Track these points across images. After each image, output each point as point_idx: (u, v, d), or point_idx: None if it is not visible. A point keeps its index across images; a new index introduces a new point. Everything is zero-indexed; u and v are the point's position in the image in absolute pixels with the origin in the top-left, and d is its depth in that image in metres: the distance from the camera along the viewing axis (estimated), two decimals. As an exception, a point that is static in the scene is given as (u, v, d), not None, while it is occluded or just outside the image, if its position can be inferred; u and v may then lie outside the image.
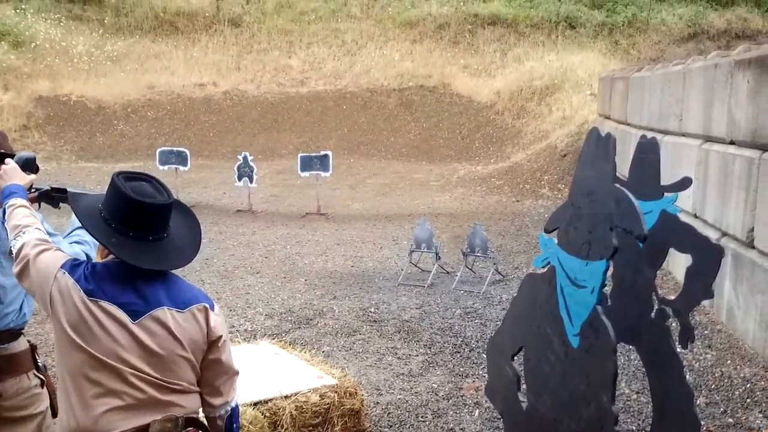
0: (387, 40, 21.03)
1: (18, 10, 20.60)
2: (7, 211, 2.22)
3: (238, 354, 4.23)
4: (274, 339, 4.82)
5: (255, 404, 3.50)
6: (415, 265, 7.45)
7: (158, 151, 12.49)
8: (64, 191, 2.49)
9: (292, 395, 3.62)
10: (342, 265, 7.90)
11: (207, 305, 2.05)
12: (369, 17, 22.24)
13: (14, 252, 2.10)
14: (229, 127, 18.41)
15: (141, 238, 1.99)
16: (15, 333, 2.61)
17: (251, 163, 11.41)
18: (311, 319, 6.03)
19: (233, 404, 2.13)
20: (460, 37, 20.82)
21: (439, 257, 7.23)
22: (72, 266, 1.97)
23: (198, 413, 2.08)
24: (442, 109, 18.02)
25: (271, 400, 3.57)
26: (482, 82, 18.42)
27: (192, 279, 7.20)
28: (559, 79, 16.86)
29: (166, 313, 1.96)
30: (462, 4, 22.02)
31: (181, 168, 12.05)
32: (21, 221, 2.15)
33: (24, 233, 2.10)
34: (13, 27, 19.81)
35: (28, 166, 2.53)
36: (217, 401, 2.09)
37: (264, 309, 6.31)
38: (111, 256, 2.03)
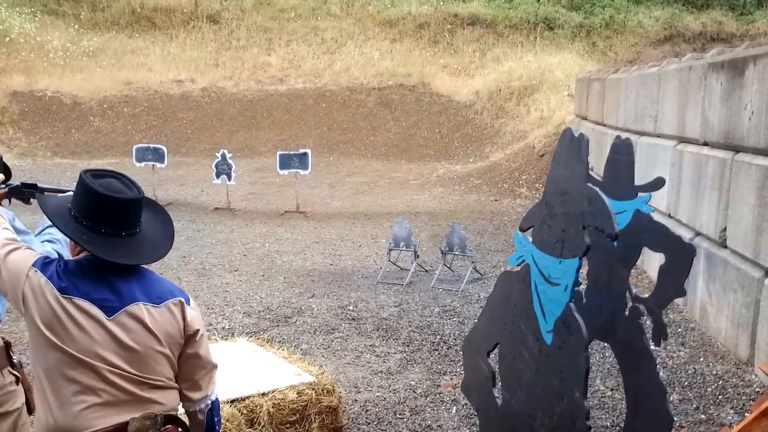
0: (367, 39, 21.04)
1: (-9, 5, 20.32)
2: None
3: (215, 351, 4.19)
4: (252, 337, 4.81)
5: (232, 401, 3.49)
6: (394, 264, 7.48)
7: (135, 147, 12.37)
8: (34, 186, 2.46)
9: (269, 392, 3.62)
10: (321, 264, 7.90)
11: (182, 299, 2.04)
12: (349, 15, 22.24)
13: None
14: (207, 124, 18.30)
15: (113, 234, 1.97)
16: None
17: (230, 161, 11.35)
18: (290, 317, 6.02)
19: (213, 398, 2.14)
20: (440, 36, 20.91)
21: (418, 256, 7.26)
22: (43, 264, 1.95)
23: (177, 410, 2.08)
24: (422, 109, 18.09)
25: (248, 397, 3.56)
26: (461, 82, 18.53)
27: (169, 277, 7.14)
28: (537, 80, 17.01)
29: (141, 309, 1.94)
30: (442, 3, 22.12)
31: (158, 165, 11.96)
32: None
33: None
34: (-13, 22, 19.52)
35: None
36: (196, 395, 2.09)
37: (242, 307, 6.30)
38: (84, 253, 2.01)
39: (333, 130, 17.79)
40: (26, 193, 2.55)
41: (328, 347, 5.33)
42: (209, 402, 2.13)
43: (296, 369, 3.93)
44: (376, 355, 5.15)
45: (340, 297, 6.59)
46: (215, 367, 2.14)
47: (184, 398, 2.09)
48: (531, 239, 2.96)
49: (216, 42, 21.24)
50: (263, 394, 3.60)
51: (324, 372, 4.00)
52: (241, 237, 9.27)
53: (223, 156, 11.41)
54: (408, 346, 5.33)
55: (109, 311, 1.91)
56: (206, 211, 11.18)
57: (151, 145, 12.35)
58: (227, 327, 5.73)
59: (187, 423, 2.12)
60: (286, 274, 7.41)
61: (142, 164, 11.93)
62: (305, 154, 11.17)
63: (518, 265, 3.00)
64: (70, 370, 1.87)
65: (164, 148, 12.09)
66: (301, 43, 21.04)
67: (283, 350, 4.33)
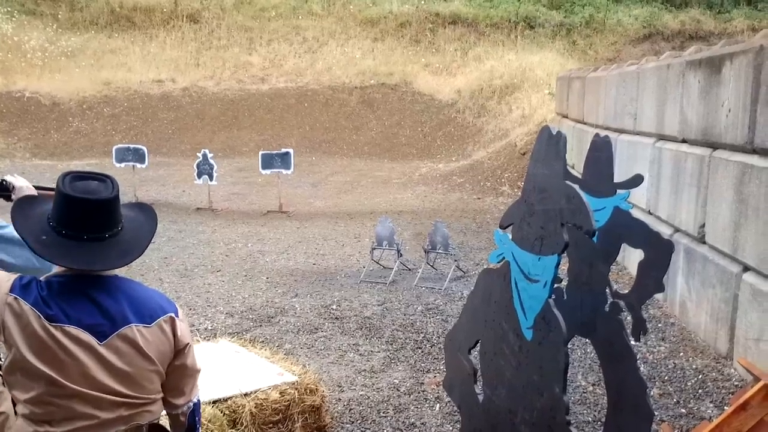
0: (348, 38, 21.03)
1: (-33, 4, 20.05)
2: None
3: (197, 353, 4.19)
4: (234, 337, 4.79)
5: (214, 402, 3.48)
6: (377, 263, 7.48)
7: (114, 148, 12.27)
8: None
9: (251, 393, 3.61)
10: (304, 263, 7.88)
11: (172, 314, 1.99)
12: (330, 14, 22.21)
13: None
14: (189, 124, 18.19)
15: (74, 237, 1.86)
16: None
17: (211, 161, 11.29)
18: (272, 317, 6.00)
19: (195, 400, 2.13)
20: (422, 35, 20.95)
21: (401, 254, 7.27)
22: (21, 288, 1.81)
23: (161, 416, 2.07)
24: (404, 108, 18.11)
25: (230, 398, 3.54)
26: (443, 81, 18.58)
27: (150, 278, 7.11)
28: (518, 79, 17.11)
29: (134, 331, 1.89)
30: (423, 2, 22.17)
31: (139, 165, 11.86)
32: None
33: None
34: (-37, 21, 19.26)
35: None
36: (180, 401, 2.07)
37: (224, 308, 6.26)
38: (59, 269, 1.91)
39: (315, 130, 17.76)
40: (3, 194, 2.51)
41: (312, 347, 5.32)
42: (191, 404, 2.11)
43: (279, 369, 3.92)
44: (360, 354, 5.15)
45: (323, 296, 6.58)
46: (199, 372, 2.13)
47: (167, 404, 2.06)
48: (511, 236, 2.98)
49: (196, 41, 21.13)
50: (245, 395, 3.58)
51: (307, 371, 3.99)
52: (223, 237, 9.22)
53: (205, 156, 11.35)
54: (391, 344, 5.34)
55: (101, 336, 1.84)
56: (188, 211, 11.11)
57: (132, 146, 12.24)
58: (209, 328, 5.70)
59: (168, 426, 2.11)
60: (269, 274, 7.38)
61: (123, 165, 11.82)
62: (287, 153, 11.13)
63: (498, 262, 3.02)
64: (60, 399, 1.81)
65: (145, 149, 12.00)
66: (283, 43, 20.98)
67: (265, 350, 4.32)
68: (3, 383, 2.60)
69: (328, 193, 12.70)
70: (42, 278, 1.88)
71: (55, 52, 19.61)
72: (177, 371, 2.03)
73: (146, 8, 22.03)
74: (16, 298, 1.79)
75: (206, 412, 3.37)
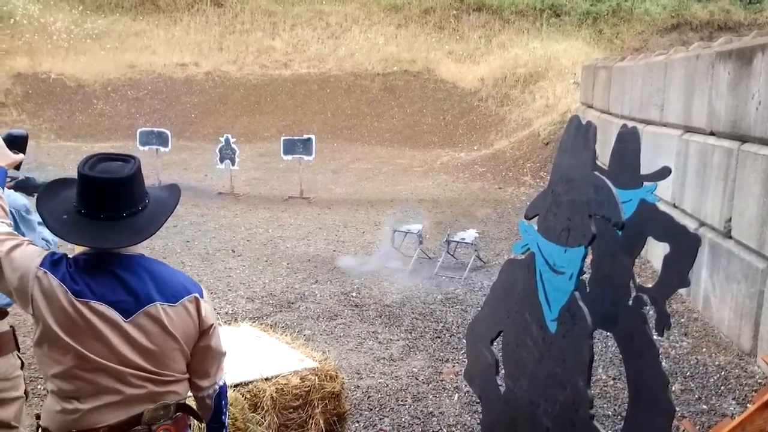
0: (372, 24, 20.92)
1: (-5, -15, 20.23)
2: None
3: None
4: (255, 322, 4.82)
5: (236, 386, 3.50)
6: (398, 250, 7.48)
7: (138, 131, 12.37)
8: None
9: (272, 378, 3.63)
10: (324, 249, 7.90)
11: (197, 295, 2.00)
12: (354, 0, 22.10)
13: None
14: (211, 108, 18.25)
15: (91, 216, 1.89)
16: (3, 312, 2.59)
17: (233, 146, 11.33)
18: (293, 303, 6.04)
19: (221, 383, 2.14)
20: (445, 22, 20.78)
21: (422, 242, 7.26)
22: (51, 264, 1.85)
23: (187, 397, 2.09)
24: (426, 95, 18.01)
25: (251, 382, 3.57)
26: (466, 69, 18.43)
27: (173, 261, 7.17)
28: (542, 67, 16.92)
29: (158, 309, 1.90)
30: (447, -12, 21.95)
31: (162, 149, 11.95)
32: None
33: None
34: (-9, 3, 19.44)
35: (17, 144, 2.32)
36: (205, 383, 2.09)
37: (245, 292, 6.31)
38: (83, 248, 1.94)
39: (337, 116, 17.74)
40: (30, 187, 2.53)
41: (331, 333, 5.34)
42: (217, 387, 2.13)
43: (299, 354, 3.94)
44: (379, 342, 5.17)
45: (342, 283, 6.60)
46: (224, 354, 2.13)
47: (193, 386, 2.08)
48: (536, 227, 2.95)
49: (220, 25, 21.15)
50: (267, 379, 3.61)
51: (327, 358, 4.00)
52: (244, 222, 9.27)
53: (227, 141, 11.39)
54: (410, 333, 5.34)
55: (126, 313, 1.86)
56: (210, 195, 11.19)
57: (155, 129, 12.35)
58: (230, 312, 5.75)
59: (195, 408, 2.13)
60: (289, 260, 7.42)
61: (146, 148, 11.92)
62: (309, 139, 11.14)
63: (523, 253, 2.99)
64: (87, 373, 1.83)
65: (168, 132, 12.08)
66: (306, 28, 20.93)
67: (286, 336, 4.34)
68: (22, 366, 2.65)
69: (349, 180, 12.71)
70: (70, 256, 1.91)
71: (81, 34, 19.75)
72: (202, 352, 2.04)
73: (171, -9, 22.10)
74: (45, 273, 1.82)
75: (228, 395, 3.39)
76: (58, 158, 14.10)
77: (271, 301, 6.07)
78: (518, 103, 16.34)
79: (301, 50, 20.11)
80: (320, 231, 8.82)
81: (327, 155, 14.61)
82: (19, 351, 2.65)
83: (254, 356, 3.88)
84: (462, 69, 18.48)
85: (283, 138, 11.50)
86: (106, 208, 1.89)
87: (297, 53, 20.01)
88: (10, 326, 2.64)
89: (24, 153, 2.33)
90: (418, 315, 5.74)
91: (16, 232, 2.03)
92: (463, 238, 7.08)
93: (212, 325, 2.04)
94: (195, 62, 19.56)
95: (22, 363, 2.67)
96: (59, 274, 1.83)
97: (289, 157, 11.26)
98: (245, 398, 3.51)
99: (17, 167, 2.26)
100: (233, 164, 11.31)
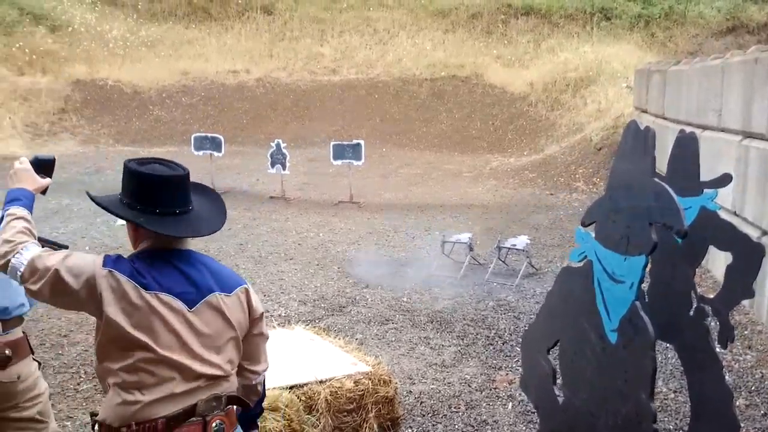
0: (419, 30, 20.96)
1: (54, -6, 20.98)
2: (5, 219, 2.02)
3: (273, 338, 4.31)
4: (308, 325, 4.89)
5: (291, 388, 3.57)
6: (448, 256, 7.47)
7: (193, 136, 12.67)
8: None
9: (327, 380, 3.68)
10: (374, 254, 7.95)
11: (246, 286, 2.12)
12: (401, 6, 22.18)
13: (19, 270, 1.92)
14: (262, 114, 18.55)
15: (167, 213, 1.99)
16: (21, 319, 2.76)
17: (284, 151, 11.50)
18: (344, 307, 6.09)
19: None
20: (493, 27, 20.67)
21: (472, 248, 7.24)
22: (115, 262, 1.92)
23: (236, 390, 2.16)
24: (475, 100, 17.94)
25: (306, 384, 3.63)
26: (515, 73, 18.28)
27: (227, 263, 7.28)
28: (594, 71, 16.65)
29: (218, 299, 2.00)
30: (495, -7, 21.82)
31: (216, 154, 12.22)
32: (16, 237, 1.98)
33: (26, 249, 1.94)
34: (50, 11, 20.12)
35: (45, 169, 2.30)
36: (260, 368, 2.22)
37: (297, 295, 6.40)
38: (142, 245, 2.03)
39: (385, 122, 17.81)
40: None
41: (383, 338, 5.37)
42: (265, 374, 2.26)
43: (353, 358, 3.98)
44: (431, 348, 5.18)
45: (393, 288, 6.63)
46: (267, 338, 2.24)
47: (247, 373, 2.18)
48: (594, 234, 2.92)
49: (270, 33, 21.49)
50: (321, 382, 3.66)
51: (380, 362, 4.03)
52: (295, 226, 9.40)
53: (278, 146, 11.57)
54: (462, 339, 5.33)
55: (191, 303, 1.96)
56: (262, 199, 11.37)
57: (209, 135, 12.62)
58: (283, 314, 5.84)
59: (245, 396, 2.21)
60: (340, 264, 7.49)
61: (201, 153, 12.21)
62: (358, 144, 11.23)
63: (580, 261, 2.97)
64: (150, 365, 1.90)
65: (221, 138, 12.34)
66: (354, 34, 21.10)
67: (339, 339, 4.39)
68: (39, 366, 2.82)
69: (398, 185, 12.75)
70: (126, 257, 1.99)
71: (136, 42, 20.32)
72: (255, 339, 2.16)
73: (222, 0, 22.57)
74: (110, 271, 1.89)
75: (283, 396, 3.46)
76: (116, 162, 14.51)
77: (322, 305, 6.14)
78: (569, 108, 16.12)
79: (350, 56, 20.28)
80: (370, 235, 8.88)
81: (376, 160, 14.68)
82: (33, 354, 2.80)
83: (308, 359, 3.94)
84: (510, 73, 18.34)
85: (332, 143, 11.62)
86: (178, 203, 2.01)
87: (345, 59, 20.18)
88: (23, 332, 2.79)
89: (51, 177, 2.33)
90: (469, 321, 5.72)
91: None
92: (514, 245, 7.04)
93: (262, 313, 2.17)
94: (246, 69, 19.92)
95: (39, 363, 2.84)
96: (126, 270, 1.91)
97: (339, 162, 11.37)
98: (300, 400, 3.57)
99: (44, 192, 2.27)
100: (284, 169, 11.47)
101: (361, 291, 6.55)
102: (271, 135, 15.92)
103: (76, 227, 9.11)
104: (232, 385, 2.09)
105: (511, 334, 5.36)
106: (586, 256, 2.93)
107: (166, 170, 2.03)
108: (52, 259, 1.91)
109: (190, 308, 1.96)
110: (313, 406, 3.60)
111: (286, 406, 3.46)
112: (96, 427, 1.97)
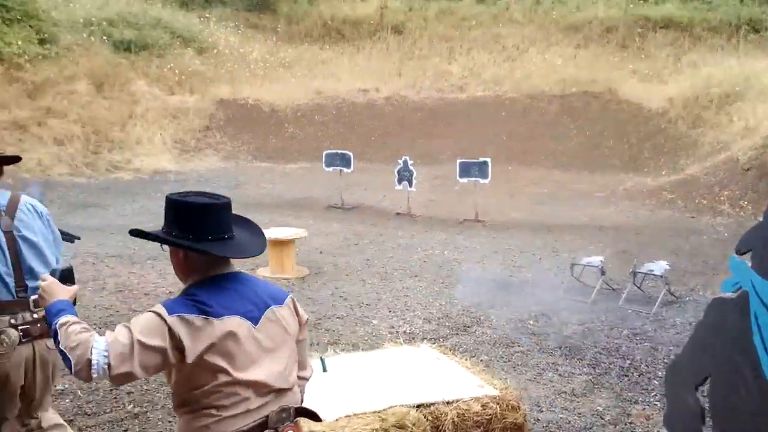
0: (549, 45, 20.55)
1: (202, 18, 22.50)
2: (60, 331, 1.98)
3: (400, 355, 4.33)
4: (433, 343, 4.87)
5: (418, 407, 3.55)
6: (578, 279, 7.19)
7: (324, 153, 13.11)
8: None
9: (453, 401, 3.62)
10: (500, 274, 7.81)
11: (291, 296, 2.25)
12: (531, 22, 21.87)
13: (103, 364, 1.86)
14: (390, 131, 18.88)
15: (219, 239, 2.08)
16: None
17: (411, 167, 11.62)
18: (469, 327, 6.02)
19: None
20: (629, 40, 19.89)
21: (604, 272, 6.92)
22: (173, 306, 1.95)
23: (301, 402, 2.23)
24: (608, 117, 17.27)
25: (433, 404, 3.59)
26: (653, 88, 17.43)
27: (354, 278, 7.48)
28: (740, 87, 15.54)
29: (274, 312, 2.12)
30: (631, 6, 20.99)
31: (345, 170, 12.55)
32: (80, 338, 1.92)
33: (95, 341, 1.89)
34: (198, 34, 21.61)
35: (67, 277, 2.46)
36: (307, 373, 2.33)
37: (422, 313, 6.40)
38: (194, 276, 2.08)
39: (512, 139, 17.55)
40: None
41: (509, 360, 5.25)
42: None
43: (479, 380, 3.90)
44: (559, 374, 4.98)
45: (519, 310, 6.47)
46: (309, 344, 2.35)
47: (298, 379, 2.25)
48: (750, 264, 2.69)
49: (399, 52, 21.89)
50: (448, 403, 3.61)
51: (508, 387, 3.93)
52: (421, 243, 9.43)
53: (405, 162, 11.71)
54: (594, 368, 5.09)
55: (255, 320, 2.06)
56: (388, 216, 11.53)
57: (339, 151, 13.01)
58: (408, 331, 5.86)
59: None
60: (466, 283, 7.42)
61: (331, 169, 12.60)
62: (485, 162, 11.13)
63: (734, 291, 2.74)
64: (230, 388, 1.98)
65: (351, 154, 12.67)
66: (482, 51, 21.03)
67: (465, 360, 4.33)
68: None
69: (524, 204, 12.50)
70: (179, 296, 2.04)
71: (274, 63, 21.39)
72: (301, 345, 2.29)
73: (355, 21, 23.29)
74: (179, 315, 1.93)
75: (410, 415, 3.45)
76: (253, 177, 15.31)
77: (447, 323, 6.09)
78: (712, 126, 15.13)
79: (477, 73, 20.22)
80: (496, 255, 8.74)
81: (502, 178, 14.47)
82: None
83: (434, 378, 3.91)
84: (648, 89, 17.50)
85: (459, 160, 11.59)
86: (225, 229, 2.12)
87: (473, 76, 20.15)
88: None
89: (74, 283, 2.44)
90: (601, 349, 5.46)
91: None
92: (652, 270, 6.66)
93: (307, 319, 2.29)
94: (376, 87, 20.38)
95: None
96: (191, 309, 1.95)
97: (465, 180, 11.33)
98: (427, 420, 3.54)
99: (74, 301, 2.31)
100: (411, 185, 11.58)
101: (486, 311, 6.44)
102: (399, 152, 16.12)
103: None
104: (296, 396, 2.18)
105: (648, 366, 5.05)
106: (740, 287, 2.72)
107: (211, 199, 2.13)
108: (124, 335, 1.90)
109: (255, 325, 2.05)
110: (440, 427, 3.55)
111: (414, 425, 3.45)
112: None
